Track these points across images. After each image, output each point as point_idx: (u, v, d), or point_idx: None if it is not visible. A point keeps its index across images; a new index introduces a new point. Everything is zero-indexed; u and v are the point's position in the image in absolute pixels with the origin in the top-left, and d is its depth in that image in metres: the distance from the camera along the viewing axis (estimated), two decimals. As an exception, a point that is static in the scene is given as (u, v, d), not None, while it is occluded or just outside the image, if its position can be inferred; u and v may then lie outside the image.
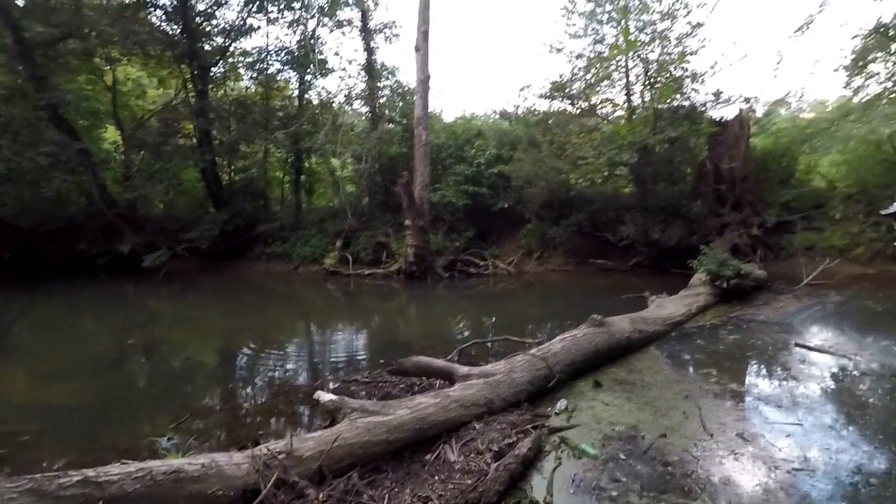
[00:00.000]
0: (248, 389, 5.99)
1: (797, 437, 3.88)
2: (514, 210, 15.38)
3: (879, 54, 13.08)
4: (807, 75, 35.28)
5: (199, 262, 17.20)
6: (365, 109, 19.88)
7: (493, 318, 9.90)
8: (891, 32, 12.45)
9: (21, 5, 15.74)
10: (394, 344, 7.83)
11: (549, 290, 12.95)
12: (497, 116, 19.21)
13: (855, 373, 5.38)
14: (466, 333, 8.54)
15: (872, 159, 13.20)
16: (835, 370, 5.51)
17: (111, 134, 20.41)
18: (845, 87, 14.59)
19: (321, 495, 2.79)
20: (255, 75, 20.25)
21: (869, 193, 12.41)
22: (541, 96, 15.72)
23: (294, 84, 20.76)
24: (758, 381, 5.43)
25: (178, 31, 17.99)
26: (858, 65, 13.46)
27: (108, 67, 18.38)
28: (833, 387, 5.12)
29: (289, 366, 6.90)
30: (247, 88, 21.18)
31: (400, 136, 18.21)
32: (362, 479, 3.08)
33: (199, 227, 17.09)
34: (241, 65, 20.11)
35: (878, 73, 13.58)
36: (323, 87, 23.99)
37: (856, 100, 14.47)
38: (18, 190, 16.54)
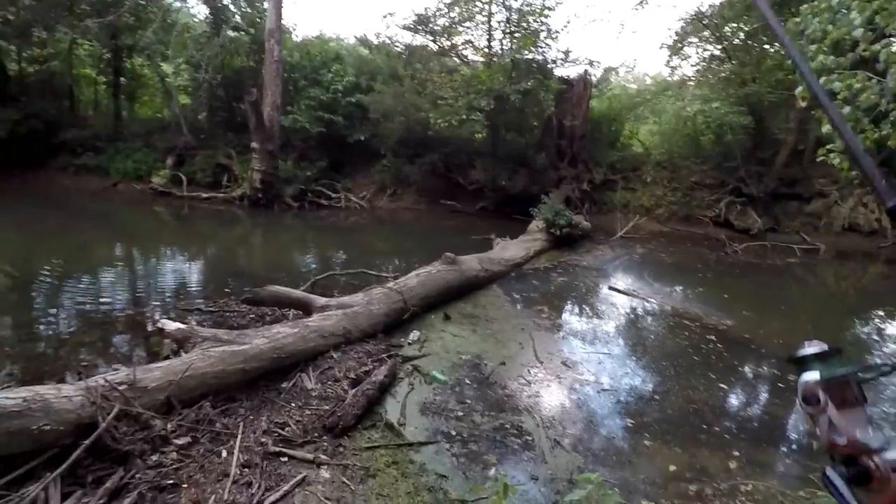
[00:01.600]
0: (52, 320, 5.16)
1: (604, 364, 4.65)
2: (370, 144, 15.03)
3: (694, 39, 15.05)
4: (640, 48, 39.64)
5: (-21, 169, 13.93)
6: (203, 10, 17.28)
7: (343, 252, 9.80)
8: (705, 21, 14.36)
9: None
10: (237, 273, 7.37)
11: (401, 227, 13.15)
12: (356, 42, 18.21)
13: (642, 312, 6.54)
14: (315, 266, 8.36)
15: (679, 133, 15.45)
16: (634, 309, 6.63)
17: None
18: (666, 64, 16.65)
19: (169, 426, 2.61)
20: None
21: (673, 162, 14.62)
22: (404, 27, 15.23)
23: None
24: (579, 317, 6.32)
25: None
26: (677, 46, 15.36)
27: None
28: (631, 322, 6.20)
29: (106, 294, 6.06)
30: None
31: (247, 48, 16.31)
32: (215, 409, 2.94)
33: (-23, 127, 13.69)
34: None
35: (690, 56, 15.70)
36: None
37: (672, 78, 16.64)
38: None
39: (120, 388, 2.59)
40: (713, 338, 5.47)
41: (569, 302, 6.89)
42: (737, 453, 3.27)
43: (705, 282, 8.62)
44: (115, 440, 2.39)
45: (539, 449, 3.15)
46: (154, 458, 2.48)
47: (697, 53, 15.48)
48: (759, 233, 12.27)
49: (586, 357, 4.79)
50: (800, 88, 4.16)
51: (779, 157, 12.91)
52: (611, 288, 7.39)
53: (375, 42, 16.99)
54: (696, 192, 13.61)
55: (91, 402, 2.38)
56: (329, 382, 3.56)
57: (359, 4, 39.68)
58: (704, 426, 3.60)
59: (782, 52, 6.72)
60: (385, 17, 22.29)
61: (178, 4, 17.26)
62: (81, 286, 6.33)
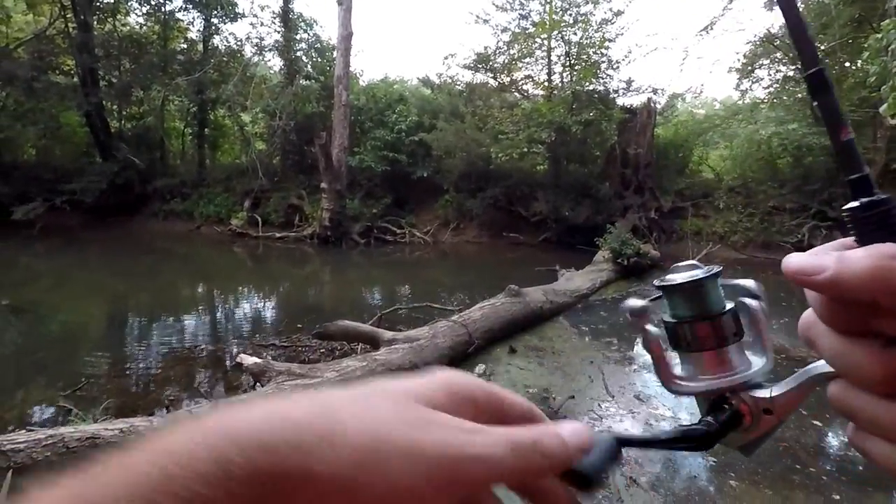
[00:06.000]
0: (142, 356, 5.53)
1: (681, 399, 4.36)
2: (433, 179, 15.39)
3: (765, 61, 14.51)
4: (706, 74, 38.59)
5: (83, 218, 15.46)
6: (278, 62, 18.69)
7: (408, 286, 9.96)
8: (776, 42, 13.82)
9: None
10: (308, 309, 7.64)
11: (464, 260, 13.23)
12: (419, 83, 18.95)
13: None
14: (381, 300, 8.55)
15: (753, 157, 14.73)
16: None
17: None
18: (736, 88, 16.08)
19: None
20: (150, 10, 18.12)
21: (748, 187, 13.91)
22: (465, 66, 15.71)
23: (197, 26, 18.93)
24: (652, 349, 6.01)
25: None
26: (747, 69, 14.85)
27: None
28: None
29: (189, 331, 6.49)
30: (141, 26, 18.94)
31: (317, 94, 17.37)
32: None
33: (84, 178, 15.32)
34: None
35: (762, 79, 15.11)
36: (231, 34, 22.09)
37: (742, 102, 16.03)
38: None
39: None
40: (803, 372, 5.03)
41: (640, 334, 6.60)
42: (837, 497, 2.96)
43: (790, 311, 7.97)
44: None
45: (614, 487, 2.99)
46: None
47: (770, 75, 14.91)
48: (851, 258, 11.31)
49: (661, 391, 4.53)
50: (885, 105, 3.89)
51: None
52: (685, 320, 7.02)
53: (437, 82, 17.60)
54: (775, 217, 12.82)
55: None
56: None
57: (421, 48, 41.39)
58: (798, 466, 3.28)
59: (864, 70, 6.28)
60: (446, 58, 23.09)
61: (256, 59, 18.76)
62: (168, 324, 6.81)
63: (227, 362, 5.11)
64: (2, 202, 14.26)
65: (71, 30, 16.49)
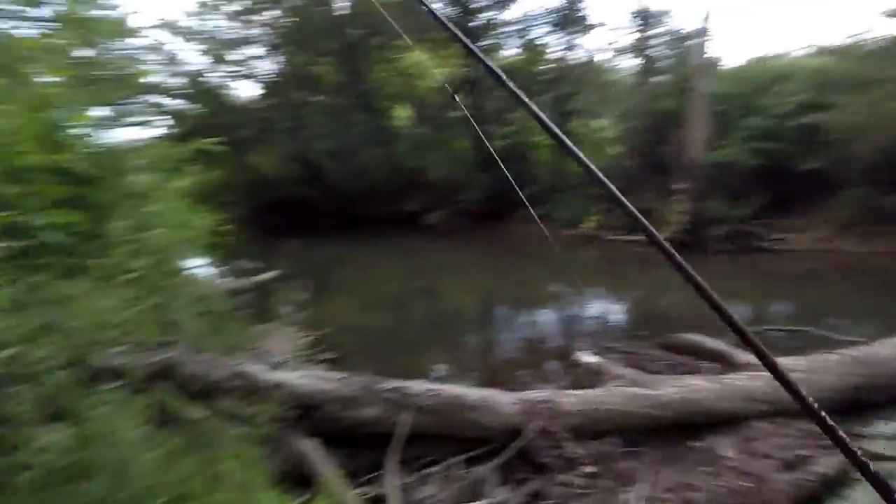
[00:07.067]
0: (504, 339, 6.53)
1: None
2: (827, 172, 12.25)
3: None
4: None
5: (469, 221, 19.07)
6: (631, 64, 18.54)
7: (783, 304, 8.32)
8: None
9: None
10: (654, 317, 7.29)
11: (875, 277, 10.05)
12: (804, 55, 15.55)
13: None
14: (743, 316, 7.39)
15: None
16: None
17: (403, 112, 23.74)
18: None
19: (578, 450, 2.81)
20: (519, 43, 20.88)
21: None
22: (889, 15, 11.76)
23: (557, 46, 20.57)
24: None
25: (458, 12, 19.61)
26: None
27: (399, 56, 21.00)
28: None
29: (541, 324, 7.29)
30: (508, 57, 21.90)
31: (673, 89, 16.36)
32: (619, 447, 2.97)
33: (470, 190, 18.99)
34: (504, 34, 20.95)
35: None
36: (583, 47, 23.23)
37: None
38: (341, 162, 20.86)
39: (544, 405, 3.03)
40: None
41: None
42: None
43: None
44: (532, 450, 2.77)
45: None
46: (561, 476, 2.70)
47: None
48: None
49: None
50: None
51: None
52: None
53: (835, 46, 14.05)
54: None
55: (524, 412, 2.88)
56: (754, 456, 3.02)
57: (800, 15, 33.72)
58: None
59: None
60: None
61: (608, 65, 19.26)
62: (524, 316, 7.76)
63: (570, 357, 5.40)
64: (418, 211, 19.15)
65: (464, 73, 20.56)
